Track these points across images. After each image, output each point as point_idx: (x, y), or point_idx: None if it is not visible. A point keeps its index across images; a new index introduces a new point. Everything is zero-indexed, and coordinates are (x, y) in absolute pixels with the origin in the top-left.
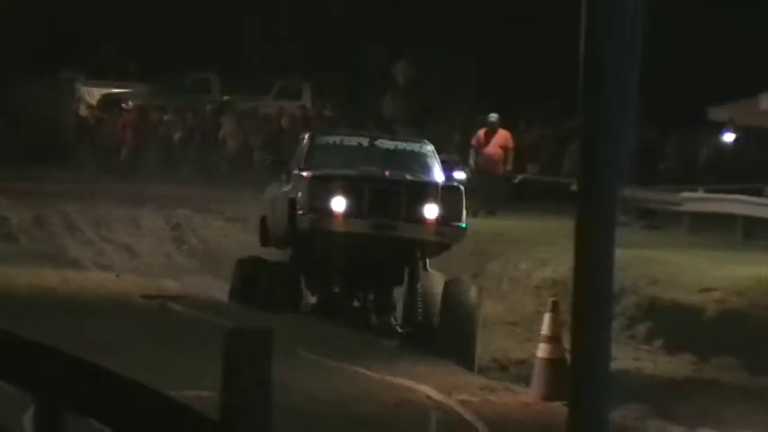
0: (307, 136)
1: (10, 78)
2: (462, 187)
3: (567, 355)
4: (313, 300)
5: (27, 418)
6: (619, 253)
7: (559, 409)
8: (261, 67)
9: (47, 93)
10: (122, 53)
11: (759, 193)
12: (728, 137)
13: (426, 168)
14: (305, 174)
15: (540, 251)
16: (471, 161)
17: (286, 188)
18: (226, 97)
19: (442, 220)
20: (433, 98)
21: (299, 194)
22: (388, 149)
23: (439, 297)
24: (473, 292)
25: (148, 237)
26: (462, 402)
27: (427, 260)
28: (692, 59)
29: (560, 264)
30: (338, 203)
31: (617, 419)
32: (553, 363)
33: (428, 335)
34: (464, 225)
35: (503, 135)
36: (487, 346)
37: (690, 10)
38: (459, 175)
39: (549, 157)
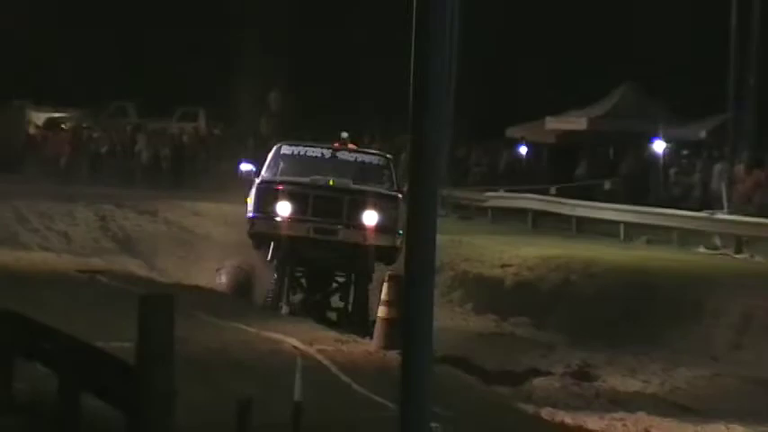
0: (274, 147)
1: None
2: (399, 195)
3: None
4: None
5: None
6: (439, 238)
7: (394, 356)
8: (166, 97)
9: (2, 116)
10: (61, 85)
11: (544, 193)
12: (523, 149)
13: (381, 179)
14: (257, 180)
15: None
16: None
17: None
18: (140, 120)
19: (378, 227)
20: (297, 119)
21: (251, 199)
22: (347, 161)
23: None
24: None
25: (81, 226)
26: (320, 350)
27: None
28: (493, 90)
29: None
30: (284, 208)
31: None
32: (389, 321)
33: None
34: (401, 232)
35: (352, 148)
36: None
37: (489, 53)
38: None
39: None
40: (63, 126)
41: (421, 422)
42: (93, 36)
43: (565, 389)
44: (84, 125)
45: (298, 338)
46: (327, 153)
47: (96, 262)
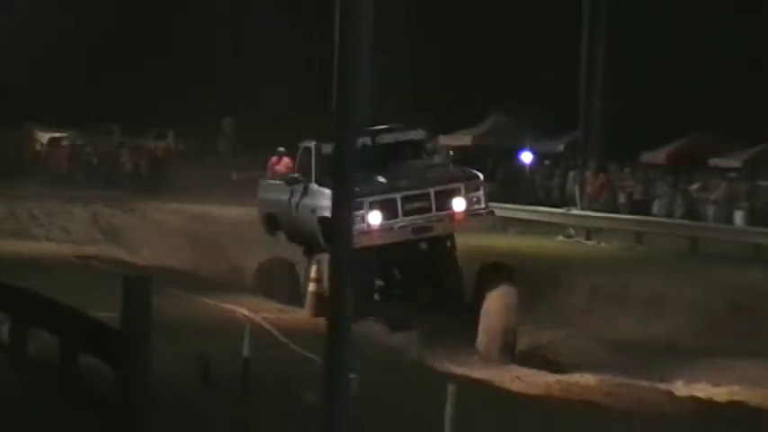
0: (312, 147)
1: None
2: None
3: (326, 289)
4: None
5: (4, 329)
6: None
7: (323, 321)
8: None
9: (15, 135)
10: (60, 110)
11: None
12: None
13: (425, 152)
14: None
15: None
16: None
17: (305, 199)
18: (123, 138)
19: (469, 211)
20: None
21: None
22: (389, 143)
23: None
24: None
25: (77, 222)
26: (264, 318)
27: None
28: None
29: None
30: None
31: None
32: (317, 294)
33: None
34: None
35: (286, 161)
36: None
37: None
38: None
39: None
40: (62, 143)
41: (342, 372)
42: (85, 69)
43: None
44: (80, 142)
45: (247, 308)
46: (368, 141)
47: (90, 250)
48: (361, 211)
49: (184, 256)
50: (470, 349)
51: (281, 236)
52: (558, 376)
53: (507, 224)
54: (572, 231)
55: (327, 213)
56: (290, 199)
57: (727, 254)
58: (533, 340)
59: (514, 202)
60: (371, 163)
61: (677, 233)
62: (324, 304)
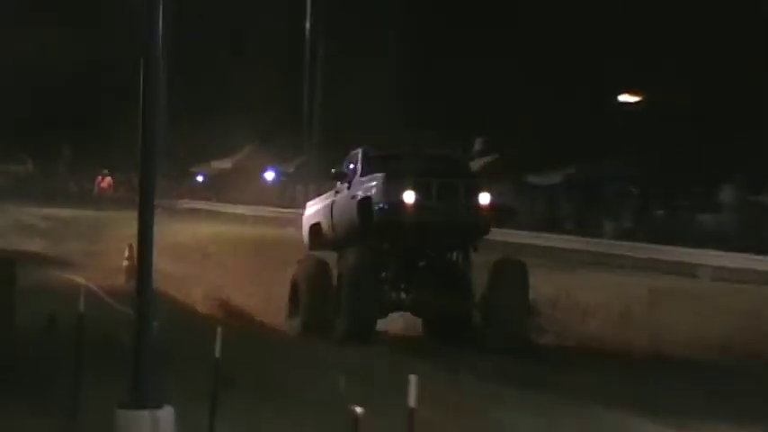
0: (360, 151)
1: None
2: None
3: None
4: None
5: None
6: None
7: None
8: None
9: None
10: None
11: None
12: (200, 178)
13: (459, 168)
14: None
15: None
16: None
17: (348, 192)
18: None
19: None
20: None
21: (374, 191)
22: (428, 155)
23: None
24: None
25: None
26: (95, 284)
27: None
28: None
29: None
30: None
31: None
32: (128, 267)
33: None
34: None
35: (108, 180)
36: None
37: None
38: None
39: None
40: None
41: (147, 320)
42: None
43: None
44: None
45: (82, 278)
46: (410, 151)
47: None
48: (402, 189)
49: (37, 242)
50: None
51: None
52: None
53: (256, 220)
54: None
55: (371, 192)
56: (332, 203)
57: None
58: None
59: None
60: (416, 169)
61: None
62: (133, 276)
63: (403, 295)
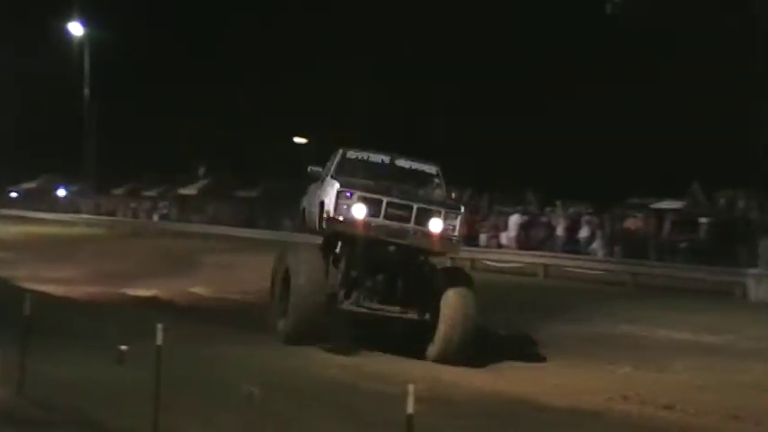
0: (340, 151)
1: None
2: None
3: None
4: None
5: None
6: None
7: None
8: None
9: None
10: None
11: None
12: (14, 194)
13: (433, 186)
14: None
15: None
16: None
17: (319, 191)
18: None
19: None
20: None
21: (327, 200)
22: (404, 168)
23: None
24: None
25: None
26: None
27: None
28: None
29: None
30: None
31: None
32: None
33: None
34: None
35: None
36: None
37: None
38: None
39: None
40: None
41: None
42: None
43: None
44: None
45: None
46: (387, 160)
47: None
48: (352, 203)
49: None
50: None
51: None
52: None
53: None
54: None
55: (326, 198)
56: (316, 193)
57: None
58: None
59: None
60: (386, 178)
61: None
62: None
63: (348, 300)
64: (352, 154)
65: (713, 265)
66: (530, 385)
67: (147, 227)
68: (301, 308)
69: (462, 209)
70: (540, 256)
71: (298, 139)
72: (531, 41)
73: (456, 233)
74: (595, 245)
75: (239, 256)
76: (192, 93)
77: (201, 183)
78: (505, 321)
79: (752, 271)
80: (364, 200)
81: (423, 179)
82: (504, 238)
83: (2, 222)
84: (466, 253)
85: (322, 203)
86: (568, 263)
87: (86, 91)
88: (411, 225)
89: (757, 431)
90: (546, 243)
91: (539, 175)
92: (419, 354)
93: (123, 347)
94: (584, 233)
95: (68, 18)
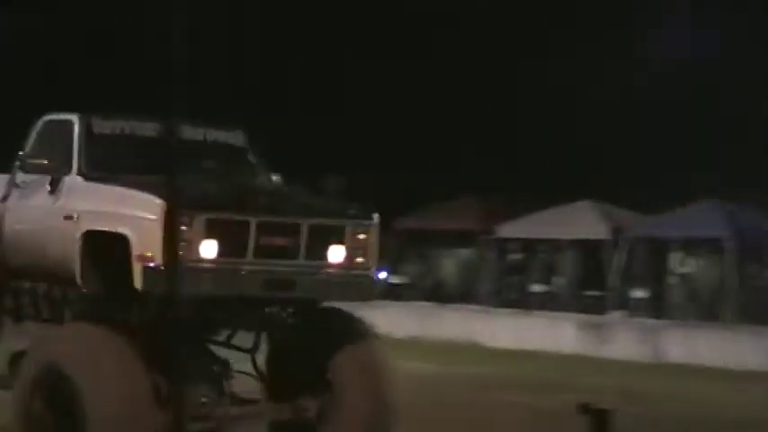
0: (75, 121)
1: None
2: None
3: None
4: None
5: None
6: None
7: None
8: None
9: None
10: None
11: None
12: None
13: (246, 166)
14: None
15: None
16: None
17: (53, 200)
18: None
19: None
20: None
21: (133, 232)
22: (196, 140)
23: None
24: None
25: None
26: None
27: None
28: None
29: None
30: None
31: None
32: None
33: None
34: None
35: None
36: None
37: None
38: None
39: None
40: None
41: None
42: None
43: None
44: None
45: None
46: (155, 131)
47: None
48: (190, 234)
49: None
50: None
51: None
52: None
53: None
54: None
55: (100, 226)
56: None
57: None
58: None
59: None
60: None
61: None
62: None
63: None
64: (105, 125)
65: None
66: None
67: None
68: None
69: (375, 217)
70: None
71: None
72: None
73: (370, 262)
74: None
75: None
76: None
77: None
78: None
79: None
80: (216, 227)
81: (229, 160)
82: None
83: None
84: None
85: (88, 235)
86: None
87: None
88: (301, 260)
89: None
90: None
91: None
92: None
93: None
94: None
95: None
